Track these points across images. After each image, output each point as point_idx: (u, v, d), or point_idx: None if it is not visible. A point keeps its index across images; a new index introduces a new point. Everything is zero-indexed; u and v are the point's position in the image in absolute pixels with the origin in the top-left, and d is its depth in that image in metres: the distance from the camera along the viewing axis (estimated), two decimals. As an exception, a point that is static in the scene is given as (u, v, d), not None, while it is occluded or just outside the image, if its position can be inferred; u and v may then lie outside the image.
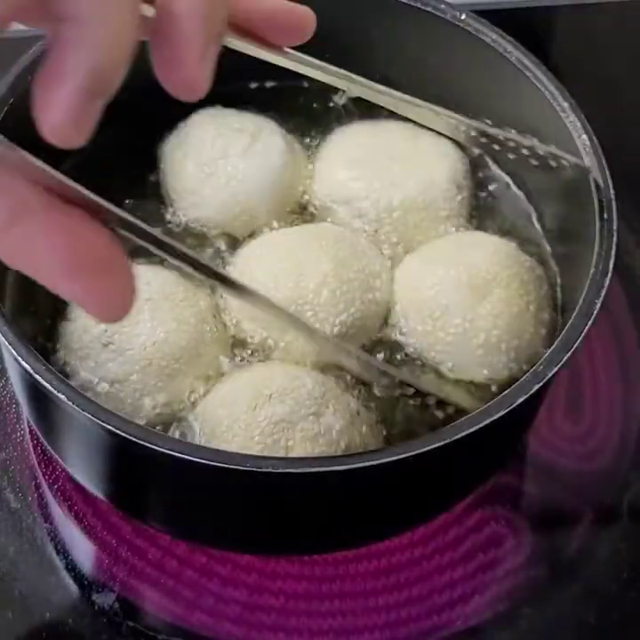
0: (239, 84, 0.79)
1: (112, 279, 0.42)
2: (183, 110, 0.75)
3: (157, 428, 0.64)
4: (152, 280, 0.68)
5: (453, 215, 0.74)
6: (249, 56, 0.58)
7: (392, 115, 0.73)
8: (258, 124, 0.75)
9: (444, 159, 0.75)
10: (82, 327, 0.66)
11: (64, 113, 0.38)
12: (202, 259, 0.50)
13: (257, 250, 0.71)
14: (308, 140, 0.78)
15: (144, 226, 0.45)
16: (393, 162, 0.74)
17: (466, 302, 0.67)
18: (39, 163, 0.41)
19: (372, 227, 0.73)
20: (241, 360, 0.68)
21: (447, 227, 0.73)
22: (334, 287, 0.67)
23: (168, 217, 0.74)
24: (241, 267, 0.70)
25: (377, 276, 0.70)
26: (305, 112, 0.79)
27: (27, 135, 0.68)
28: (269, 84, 0.80)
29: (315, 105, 0.80)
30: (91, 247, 0.41)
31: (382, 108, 0.70)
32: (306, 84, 0.78)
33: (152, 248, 0.46)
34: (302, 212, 0.75)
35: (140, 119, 0.75)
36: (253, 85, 0.80)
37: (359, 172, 0.74)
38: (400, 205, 0.72)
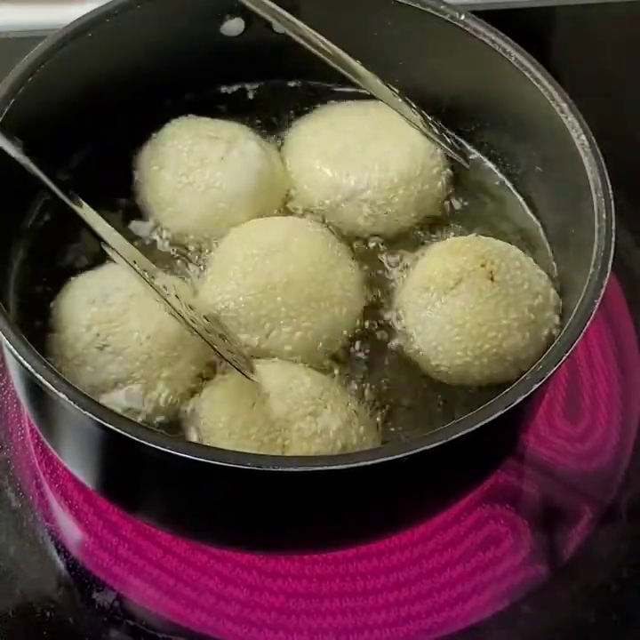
0: (209, 91, 0.80)
1: None
2: (154, 121, 0.76)
3: (158, 422, 0.65)
4: (130, 277, 0.68)
5: (442, 170, 0.75)
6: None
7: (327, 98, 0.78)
8: (232, 131, 0.75)
9: (408, 124, 0.76)
10: (72, 336, 0.65)
11: None
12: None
13: (227, 244, 0.71)
14: (273, 138, 0.78)
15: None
16: (367, 143, 0.75)
17: None
18: None
19: (382, 211, 0.73)
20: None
21: (443, 182, 0.75)
22: (290, 303, 0.67)
23: (147, 227, 0.73)
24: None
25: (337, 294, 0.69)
26: (261, 111, 0.80)
27: (27, 135, 0.68)
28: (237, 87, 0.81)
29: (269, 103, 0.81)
30: None
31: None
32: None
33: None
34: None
35: (112, 132, 0.76)
36: (223, 90, 0.81)
37: (345, 165, 0.73)
38: (401, 180, 0.73)
